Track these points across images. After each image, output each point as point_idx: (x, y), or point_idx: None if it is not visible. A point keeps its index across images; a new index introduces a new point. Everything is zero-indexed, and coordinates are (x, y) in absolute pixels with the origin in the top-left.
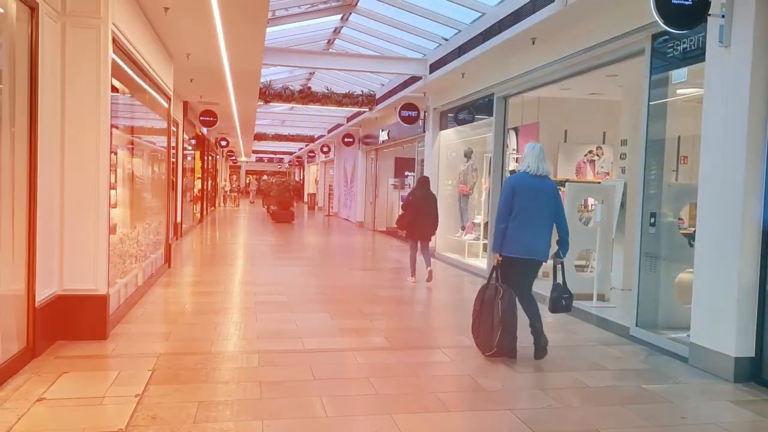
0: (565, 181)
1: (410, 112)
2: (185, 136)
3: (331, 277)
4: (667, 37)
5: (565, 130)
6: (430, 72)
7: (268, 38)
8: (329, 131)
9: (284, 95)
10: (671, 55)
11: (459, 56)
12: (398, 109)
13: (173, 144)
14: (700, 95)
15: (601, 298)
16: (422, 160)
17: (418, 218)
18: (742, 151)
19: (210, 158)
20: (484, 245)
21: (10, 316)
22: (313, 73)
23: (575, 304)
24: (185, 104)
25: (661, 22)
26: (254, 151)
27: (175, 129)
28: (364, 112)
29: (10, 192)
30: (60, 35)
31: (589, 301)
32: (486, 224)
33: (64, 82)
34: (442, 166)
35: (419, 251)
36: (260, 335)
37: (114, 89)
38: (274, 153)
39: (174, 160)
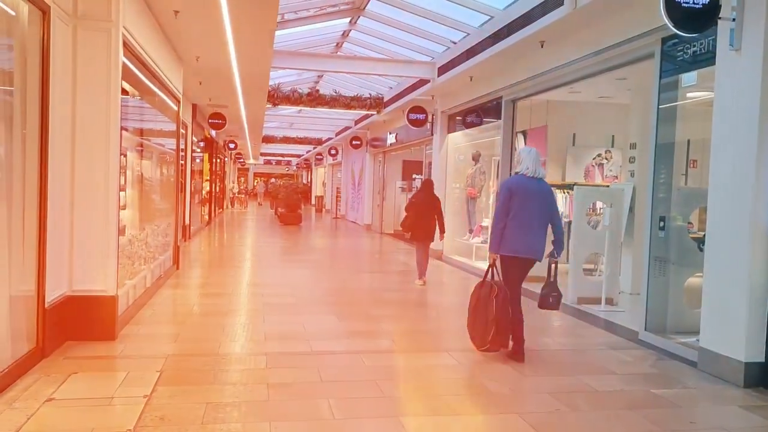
0: (573, 185)
1: (418, 115)
2: (194, 138)
3: (339, 279)
4: (676, 40)
5: (574, 134)
6: (439, 75)
7: (276, 41)
8: (337, 134)
9: (292, 98)
10: (681, 58)
11: (467, 59)
12: (406, 112)
13: (182, 146)
14: (710, 99)
15: (610, 302)
16: (430, 163)
17: (420, 220)
18: (753, 154)
19: (218, 160)
20: None
21: (20, 316)
22: (322, 76)
23: (583, 307)
24: (194, 107)
25: (671, 26)
26: (262, 154)
27: (183, 131)
28: (372, 114)
29: (21, 193)
30: (71, 38)
31: (597, 305)
32: None
33: (74, 85)
34: (450, 169)
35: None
36: (268, 337)
37: (124, 92)
38: (282, 155)
39: (183, 162)
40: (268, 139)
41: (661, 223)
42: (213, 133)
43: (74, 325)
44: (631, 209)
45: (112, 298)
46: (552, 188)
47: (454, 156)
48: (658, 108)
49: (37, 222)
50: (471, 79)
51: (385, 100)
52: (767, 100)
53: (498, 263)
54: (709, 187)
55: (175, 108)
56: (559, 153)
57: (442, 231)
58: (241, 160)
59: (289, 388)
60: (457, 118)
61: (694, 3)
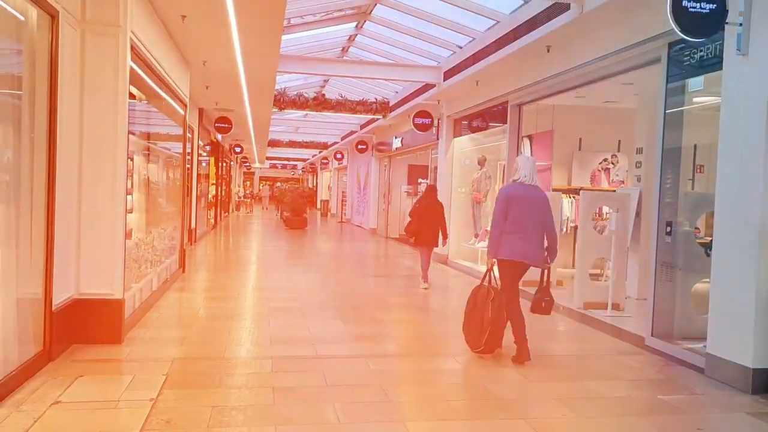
0: (580, 189)
1: (424, 120)
2: (200, 142)
3: (344, 283)
4: (683, 45)
5: (580, 138)
6: (444, 79)
7: (283, 46)
8: (343, 138)
9: (298, 102)
10: (688, 63)
11: (473, 64)
12: (412, 117)
13: (188, 150)
14: (716, 103)
15: (616, 307)
16: (435, 168)
17: (424, 225)
18: (760, 159)
19: (224, 164)
20: None
21: (28, 319)
22: (328, 80)
23: (590, 313)
24: (201, 111)
25: (678, 31)
26: (268, 158)
27: (190, 135)
28: (377, 119)
29: (29, 196)
30: (79, 42)
31: (603, 310)
32: None
33: (82, 89)
34: (455, 173)
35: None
36: (273, 341)
37: (131, 96)
38: (288, 159)
39: (189, 166)
40: (273, 143)
41: (668, 228)
42: (219, 137)
43: (81, 328)
44: (638, 214)
45: (118, 301)
46: (547, 196)
47: (459, 160)
48: (664, 113)
49: (45, 225)
50: (477, 84)
51: (390, 104)
52: None
53: (496, 267)
54: (716, 192)
55: (182, 112)
56: (566, 157)
57: (444, 237)
58: (247, 164)
59: (295, 391)
60: (463, 122)
61: (701, 8)
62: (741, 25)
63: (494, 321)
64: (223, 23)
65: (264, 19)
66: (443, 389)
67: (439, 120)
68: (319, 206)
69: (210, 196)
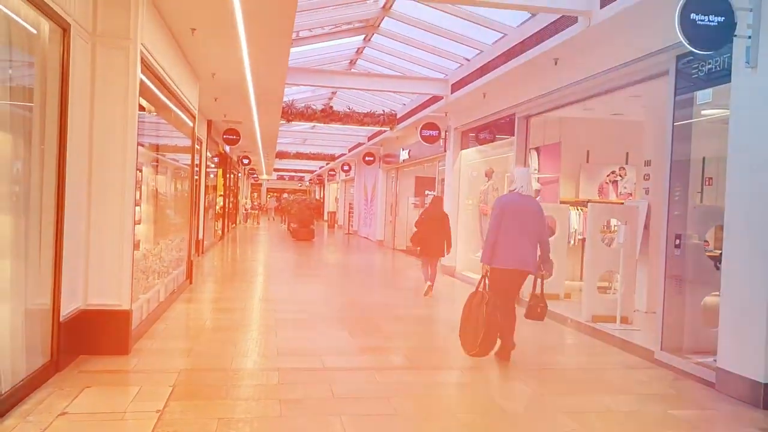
0: (588, 202)
1: (431, 132)
2: (208, 153)
3: (351, 295)
4: (691, 57)
5: (588, 151)
6: (452, 92)
7: (291, 58)
8: (350, 150)
9: (306, 114)
10: (696, 75)
11: (481, 76)
12: (419, 129)
13: (197, 162)
14: (725, 116)
15: (625, 320)
16: (443, 180)
17: (429, 236)
18: None
19: (232, 176)
20: None
21: (36, 330)
22: (335, 92)
23: (599, 326)
24: (209, 123)
25: (686, 43)
26: (275, 169)
27: (198, 147)
28: (385, 131)
29: (38, 207)
30: (90, 55)
31: (612, 323)
32: None
33: (92, 101)
34: (462, 185)
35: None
36: (280, 352)
37: (141, 108)
38: (296, 171)
39: (197, 177)
40: (281, 155)
41: (677, 241)
42: (227, 148)
43: (88, 339)
44: (646, 227)
45: (126, 312)
46: (541, 206)
47: (467, 172)
48: (673, 125)
49: (53, 236)
50: (484, 96)
51: (398, 116)
52: None
53: (489, 274)
54: (726, 206)
55: (191, 124)
56: (573, 170)
57: (449, 247)
58: (255, 176)
59: (301, 404)
60: (470, 134)
61: (709, 21)
62: (750, 37)
63: (487, 324)
64: (233, 36)
65: (273, 32)
66: (451, 402)
67: (446, 132)
68: (326, 218)
69: (218, 207)
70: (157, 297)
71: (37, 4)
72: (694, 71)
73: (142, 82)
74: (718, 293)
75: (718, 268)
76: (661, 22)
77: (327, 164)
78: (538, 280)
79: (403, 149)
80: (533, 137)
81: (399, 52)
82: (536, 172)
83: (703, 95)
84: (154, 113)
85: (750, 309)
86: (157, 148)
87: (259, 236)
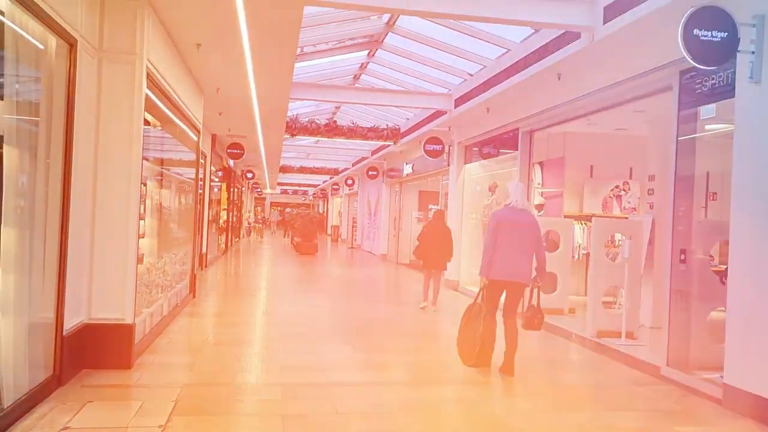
0: (592, 216)
1: (435, 146)
2: (212, 168)
3: (355, 309)
4: (695, 72)
5: (591, 165)
6: (455, 106)
7: (295, 73)
8: (354, 164)
9: (310, 128)
10: (700, 90)
11: (484, 91)
12: (423, 143)
13: (201, 176)
14: (729, 131)
15: (630, 336)
16: (446, 194)
17: (431, 249)
18: None
19: (236, 190)
20: None
21: (39, 343)
22: (339, 107)
23: (604, 341)
24: (213, 137)
25: (689, 59)
26: (279, 183)
27: (203, 161)
28: (388, 145)
29: (42, 221)
30: (96, 70)
31: (617, 338)
32: None
33: (98, 116)
34: (466, 199)
35: (431, 279)
36: (283, 367)
37: (146, 122)
38: (299, 185)
39: (201, 191)
40: (285, 169)
41: (682, 256)
42: (231, 162)
43: (91, 353)
44: (650, 241)
45: (129, 326)
46: (536, 219)
47: (470, 187)
48: (677, 140)
49: (58, 250)
50: (488, 111)
51: (401, 130)
52: None
53: (487, 286)
54: (731, 220)
55: (195, 138)
56: (577, 184)
57: (449, 259)
58: (258, 190)
59: (305, 419)
60: (474, 148)
61: (712, 36)
62: (753, 53)
63: (484, 335)
64: (237, 52)
65: (277, 48)
66: (455, 418)
67: (449, 146)
68: (329, 232)
69: (221, 221)
70: (160, 311)
71: (45, 20)
72: (698, 86)
73: (147, 97)
74: (723, 308)
75: (723, 283)
76: (665, 37)
77: (331, 178)
78: (535, 291)
79: (406, 163)
80: (537, 152)
81: (403, 67)
82: (540, 186)
83: (706, 110)
84: (159, 127)
85: (757, 324)
86: (161, 162)
87: (262, 250)
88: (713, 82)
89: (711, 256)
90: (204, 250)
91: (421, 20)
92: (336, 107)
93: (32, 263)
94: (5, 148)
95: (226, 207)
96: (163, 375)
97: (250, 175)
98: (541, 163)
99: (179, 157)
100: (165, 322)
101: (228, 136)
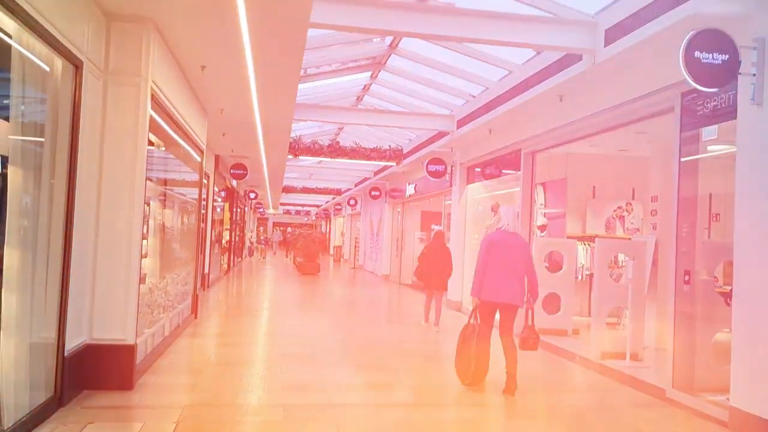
0: (595, 237)
1: (437, 167)
2: (215, 188)
3: (357, 330)
4: (696, 94)
5: (594, 186)
6: (458, 127)
7: (298, 94)
8: (356, 184)
9: (313, 149)
10: (701, 112)
11: (486, 112)
12: (425, 164)
13: (204, 196)
14: (731, 152)
15: (634, 357)
16: (449, 214)
17: (432, 269)
18: None
19: (238, 210)
20: None
21: (40, 364)
22: (342, 127)
23: (608, 363)
24: (217, 157)
25: (691, 81)
26: (282, 204)
27: (206, 181)
28: (391, 166)
29: (46, 242)
30: (102, 91)
31: (621, 360)
32: None
33: (103, 136)
34: (468, 220)
35: (433, 300)
36: (285, 388)
37: (150, 143)
38: (302, 205)
39: (204, 211)
40: (288, 189)
41: (686, 277)
42: (234, 183)
43: (92, 373)
44: (654, 262)
45: (130, 347)
46: (527, 242)
47: (473, 207)
48: (679, 161)
49: (60, 270)
50: (490, 132)
51: (404, 151)
52: None
53: (479, 307)
54: (735, 242)
55: (199, 159)
56: (580, 205)
57: (448, 276)
58: (261, 210)
59: None
60: (476, 169)
61: (713, 58)
62: (754, 75)
63: (477, 354)
64: (242, 73)
65: (281, 70)
66: None
67: (452, 167)
68: (332, 252)
69: (224, 241)
70: (162, 331)
71: (51, 42)
72: (699, 108)
73: (151, 118)
74: (729, 330)
75: (728, 305)
76: (666, 59)
77: (333, 199)
78: (529, 312)
79: (409, 184)
80: (539, 172)
81: (405, 88)
82: (543, 207)
83: (708, 131)
84: (163, 148)
85: (763, 346)
86: (165, 182)
87: (264, 270)
88: (715, 103)
89: (715, 277)
90: (206, 270)
91: (424, 42)
92: (339, 128)
93: (35, 283)
94: (10, 169)
95: (228, 227)
96: (164, 396)
97: (252, 196)
98: (543, 184)
99: (182, 178)
100: (166, 343)
101: (231, 157)
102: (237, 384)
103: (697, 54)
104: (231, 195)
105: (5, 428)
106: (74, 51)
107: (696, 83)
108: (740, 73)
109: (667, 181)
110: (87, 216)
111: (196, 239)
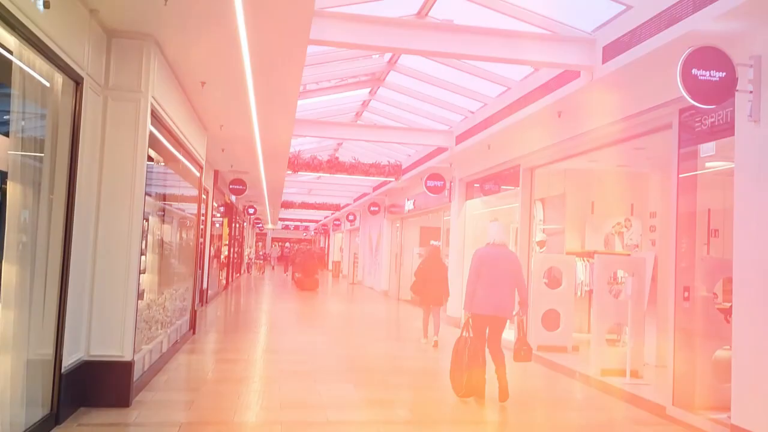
0: (594, 253)
1: (436, 182)
2: (214, 203)
3: (356, 346)
4: (694, 111)
5: (592, 202)
6: (456, 143)
7: (298, 110)
8: (355, 200)
9: (312, 165)
10: (699, 128)
11: (485, 128)
12: (424, 179)
13: (203, 211)
14: (729, 168)
15: (634, 374)
16: (448, 230)
17: (428, 285)
18: None
19: (237, 225)
20: None
21: (37, 381)
22: (341, 143)
23: (608, 380)
24: (216, 173)
25: (688, 98)
26: (280, 219)
27: (205, 197)
28: (390, 181)
29: (44, 257)
30: (102, 107)
31: (621, 377)
32: None
33: (102, 152)
34: (468, 235)
35: (431, 316)
36: (283, 405)
37: (149, 158)
38: (301, 221)
39: (203, 227)
40: (286, 205)
41: (686, 294)
42: (233, 198)
43: (89, 390)
44: (653, 278)
45: (128, 363)
46: (516, 256)
47: (472, 223)
48: (678, 177)
49: (58, 286)
50: (489, 148)
51: (403, 167)
52: None
53: (471, 320)
54: (734, 258)
55: (198, 174)
56: (578, 221)
57: (446, 295)
58: (260, 225)
59: None
60: (475, 185)
61: (710, 76)
62: (751, 92)
63: (470, 366)
64: (241, 89)
65: (280, 86)
66: None
67: (451, 183)
68: (330, 267)
69: (222, 257)
70: (160, 348)
71: (52, 58)
72: (697, 124)
73: (151, 134)
74: (729, 347)
75: (728, 321)
76: (663, 76)
77: (332, 214)
78: (521, 324)
79: (408, 199)
80: (538, 188)
81: (404, 104)
82: (542, 223)
83: (706, 148)
84: (162, 163)
85: (763, 363)
86: (164, 197)
87: (263, 286)
88: (712, 120)
89: (715, 293)
90: (205, 286)
91: (423, 58)
92: (338, 144)
93: (32, 299)
94: (9, 184)
95: (227, 242)
96: (161, 413)
97: (251, 211)
98: (542, 200)
99: (181, 193)
100: (164, 359)
101: (230, 172)
102: (235, 401)
103: (694, 71)
104: (230, 210)
105: None
106: (75, 67)
107: (693, 100)
108: (737, 90)
109: (666, 196)
110: (85, 231)
111: (194, 255)
